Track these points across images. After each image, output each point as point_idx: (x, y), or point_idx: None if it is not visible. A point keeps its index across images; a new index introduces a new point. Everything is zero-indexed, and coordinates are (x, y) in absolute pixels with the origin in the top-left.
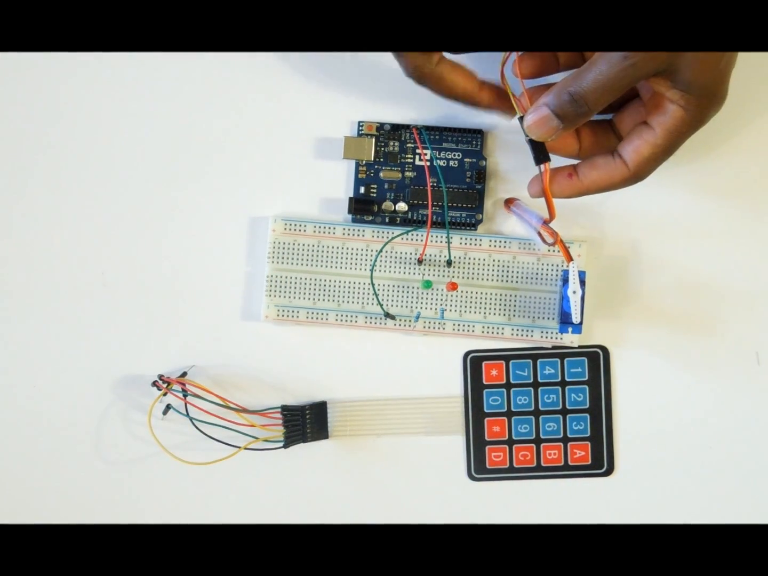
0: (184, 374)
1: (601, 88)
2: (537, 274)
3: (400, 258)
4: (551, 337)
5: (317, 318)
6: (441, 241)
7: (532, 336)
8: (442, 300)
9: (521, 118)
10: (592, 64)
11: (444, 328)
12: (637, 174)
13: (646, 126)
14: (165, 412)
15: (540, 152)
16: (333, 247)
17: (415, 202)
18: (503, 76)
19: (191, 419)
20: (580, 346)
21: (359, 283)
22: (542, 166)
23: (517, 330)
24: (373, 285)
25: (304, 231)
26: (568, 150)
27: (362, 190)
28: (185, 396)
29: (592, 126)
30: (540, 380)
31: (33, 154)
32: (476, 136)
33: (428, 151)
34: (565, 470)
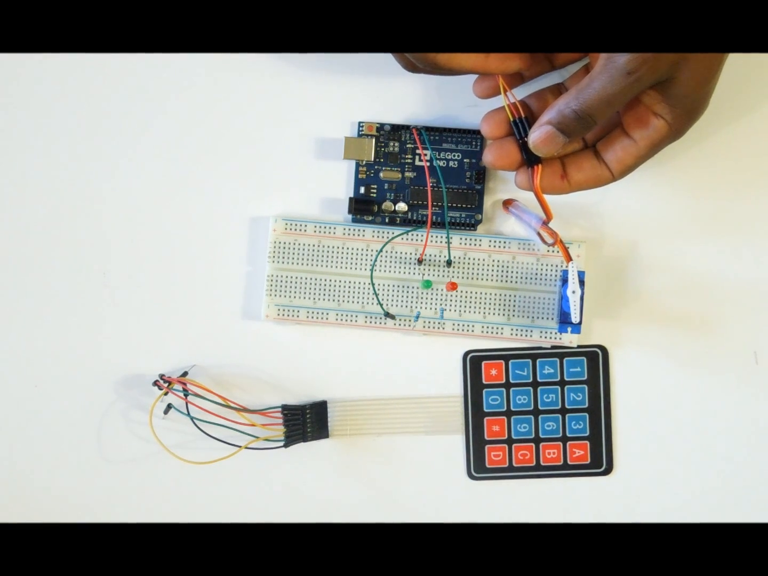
0: (185, 374)
1: (605, 103)
2: (536, 274)
3: (400, 258)
4: (550, 337)
5: (317, 317)
6: (441, 241)
7: (531, 336)
8: (441, 300)
9: (514, 122)
10: (593, 80)
11: (444, 328)
12: (620, 177)
13: (628, 138)
14: (166, 412)
15: (533, 154)
16: (333, 247)
17: (415, 202)
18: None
19: (192, 418)
20: (580, 346)
21: (359, 283)
22: (534, 167)
23: (517, 330)
24: (373, 285)
25: (305, 231)
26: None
27: (362, 190)
28: (186, 395)
29: None
30: (539, 380)
31: (33, 155)
32: (476, 136)
33: (428, 152)
34: (564, 469)
